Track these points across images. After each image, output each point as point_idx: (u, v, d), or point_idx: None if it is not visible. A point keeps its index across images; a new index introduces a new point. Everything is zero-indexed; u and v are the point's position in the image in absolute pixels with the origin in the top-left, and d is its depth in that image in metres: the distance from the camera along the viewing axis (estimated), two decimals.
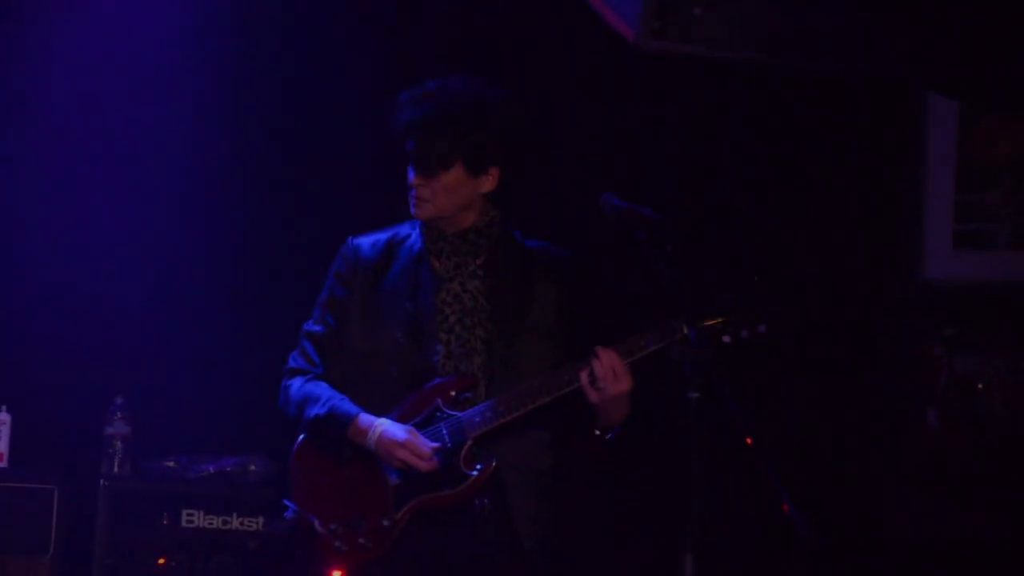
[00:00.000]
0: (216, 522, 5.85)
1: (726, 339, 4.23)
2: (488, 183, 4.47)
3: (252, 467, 5.97)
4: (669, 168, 5.97)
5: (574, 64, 6.09)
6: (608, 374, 4.26)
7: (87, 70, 6.31)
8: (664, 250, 4.07)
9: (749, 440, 3.78)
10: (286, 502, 4.49)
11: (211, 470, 5.97)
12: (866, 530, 5.90)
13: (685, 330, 4.21)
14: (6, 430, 5.91)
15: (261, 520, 5.81)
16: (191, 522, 5.84)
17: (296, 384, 4.54)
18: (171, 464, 5.98)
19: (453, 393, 4.39)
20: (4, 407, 5.93)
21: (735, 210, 5.95)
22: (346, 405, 4.42)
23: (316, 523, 4.42)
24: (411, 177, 4.45)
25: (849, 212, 6.02)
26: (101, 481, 5.81)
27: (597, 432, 4.39)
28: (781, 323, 4.28)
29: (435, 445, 4.33)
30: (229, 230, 6.42)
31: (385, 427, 4.36)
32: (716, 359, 3.89)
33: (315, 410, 4.44)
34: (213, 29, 6.40)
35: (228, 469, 5.97)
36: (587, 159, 6.09)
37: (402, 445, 4.33)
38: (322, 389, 4.49)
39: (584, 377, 4.28)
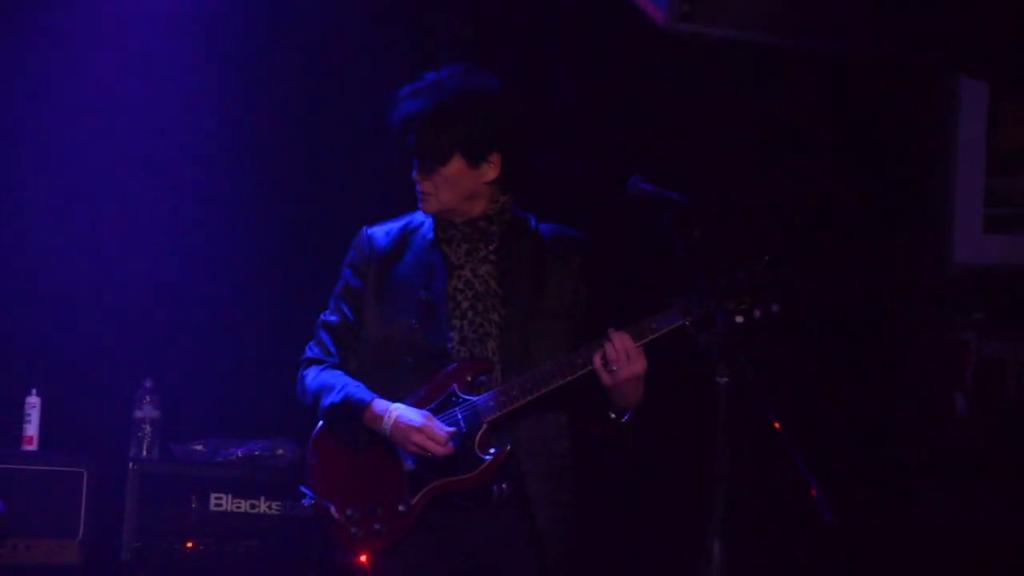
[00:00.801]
0: (244, 505, 5.86)
1: (739, 319, 4.20)
2: (491, 171, 4.44)
3: (280, 451, 5.99)
4: (696, 153, 5.95)
5: (599, 50, 6.08)
6: (621, 356, 4.25)
7: (114, 70, 6.33)
8: (691, 235, 4.05)
9: (777, 425, 3.76)
10: (303, 489, 4.49)
11: (239, 454, 5.98)
12: (893, 515, 5.89)
13: (695, 311, 4.21)
14: (36, 413, 5.93)
15: (285, 504, 5.82)
16: (219, 505, 5.84)
17: (312, 373, 4.54)
18: (199, 448, 6.00)
19: (468, 378, 4.37)
20: (34, 390, 5.95)
21: (764, 195, 5.93)
22: (361, 392, 4.41)
23: (332, 509, 4.41)
24: (414, 173, 4.45)
25: (878, 197, 6.00)
26: (130, 464, 5.81)
27: (612, 415, 4.38)
28: (796, 303, 4.26)
29: (451, 429, 4.32)
30: (258, 220, 6.45)
31: (400, 412, 4.35)
32: (744, 344, 3.87)
33: (330, 398, 4.44)
34: (229, 28, 6.41)
35: (256, 453, 5.99)
36: (611, 144, 6.08)
37: (418, 430, 4.32)
38: (337, 377, 4.48)
39: (598, 360, 4.26)
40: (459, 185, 4.43)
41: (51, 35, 6.29)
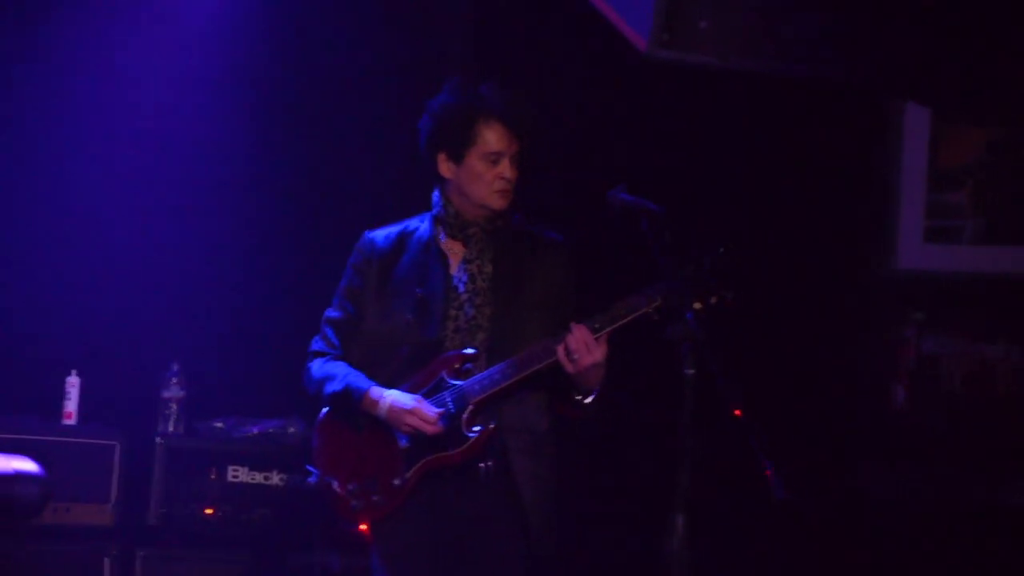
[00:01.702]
0: (258, 477, 5.88)
1: (697, 306, 4.19)
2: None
3: (291, 429, 5.99)
4: (667, 165, 5.94)
5: (586, 73, 6.08)
6: (581, 347, 4.25)
7: (141, 79, 6.32)
8: (663, 237, 4.05)
9: (737, 412, 3.76)
10: (309, 467, 4.49)
11: (255, 431, 5.99)
12: (837, 491, 5.89)
13: (658, 297, 4.20)
14: (75, 392, 5.93)
15: (291, 477, 5.82)
16: (236, 477, 5.86)
17: (316, 364, 4.55)
18: (219, 425, 6.00)
19: (456, 366, 4.39)
20: (74, 371, 5.95)
21: (725, 205, 5.92)
22: (360, 381, 4.42)
23: (335, 484, 4.43)
24: (505, 171, 4.41)
25: (830, 209, 6.00)
26: (157, 439, 5.84)
27: (577, 397, 4.37)
28: (749, 293, 4.25)
29: (439, 410, 4.33)
30: (275, 223, 6.46)
31: (394, 397, 4.37)
32: (708, 339, 3.87)
33: (333, 386, 4.45)
34: (244, 37, 6.40)
35: (270, 430, 5.99)
36: (586, 153, 6.09)
37: (410, 412, 4.33)
38: (339, 368, 4.49)
39: (561, 351, 4.26)
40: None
41: (76, 39, 6.27)
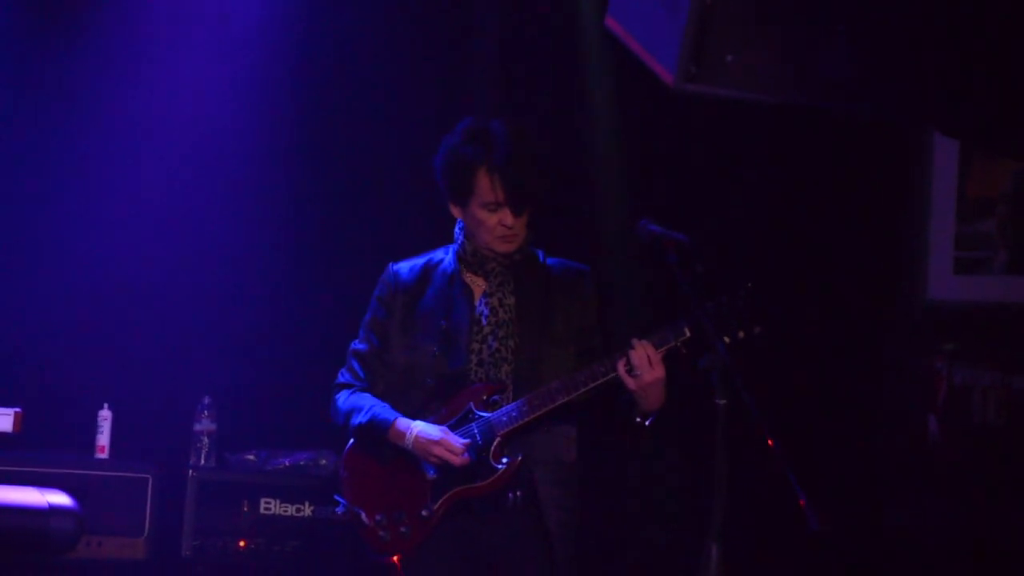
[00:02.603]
0: (290, 509, 5.88)
1: (726, 339, 4.21)
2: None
3: (322, 461, 6.00)
4: (697, 196, 5.96)
5: (614, 103, 6.10)
6: (644, 362, 4.26)
7: (180, 91, 6.36)
8: (693, 269, 4.07)
9: (770, 442, 3.77)
10: (337, 497, 4.51)
11: (286, 463, 6.00)
12: (871, 523, 5.87)
13: (692, 328, 4.22)
14: (108, 425, 5.96)
15: (317, 508, 5.83)
16: (268, 509, 5.86)
17: (343, 396, 4.58)
18: (251, 457, 6.02)
19: (484, 397, 4.41)
20: (106, 405, 5.98)
21: (753, 235, 5.93)
22: (386, 412, 4.45)
23: (363, 515, 4.45)
24: (506, 219, 4.42)
25: (861, 241, 6.00)
26: (190, 471, 5.85)
27: (638, 419, 4.38)
28: (783, 326, 4.27)
29: (466, 441, 4.35)
30: (301, 255, 6.46)
31: (420, 428, 4.39)
32: (740, 369, 3.88)
33: (359, 418, 4.48)
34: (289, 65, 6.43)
35: (301, 462, 6.00)
36: (616, 184, 6.11)
37: (437, 443, 4.35)
38: (365, 399, 4.52)
39: (621, 367, 4.27)
40: (528, 224, 4.47)
41: (143, 52, 6.34)
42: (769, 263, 5.82)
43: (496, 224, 4.42)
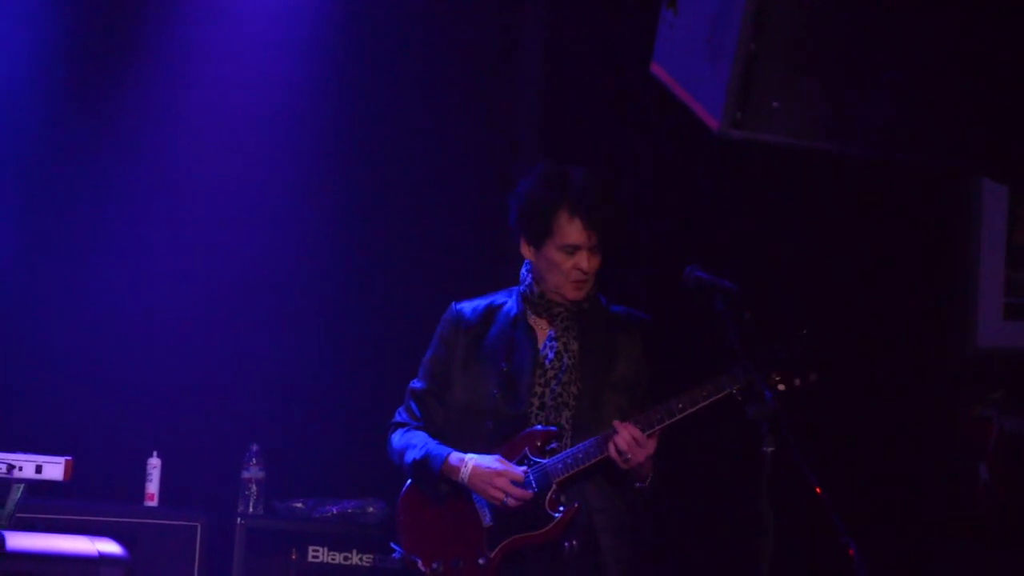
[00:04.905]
0: (338, 558, 5.88)
1: (782, 387, 4.19)
2: None
3: (370, 509, 5.99)
4: (735, 242, 5.94)
5: (660, 149, 6.10)
6: (632, 445, 4.25)
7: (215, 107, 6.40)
8: (741, 317, 4.05)
9: (818, 490, 3.74)
10: (393, 544, 4.50)
11: (334, 511, 5.99)
12: (921, 574, 5.81)
13: (742, 381, 4.19)
14: (157, 473, 5.98)
15: (376, 556, 5.81)
16: (316, 557, 5.86)
17: (398, 435, 4.57)
18: (299, 505, 6.01)
19: (539, 443, 4.38)
20: (155, 453, 6.00)
21: (798, 282, 5.91)
22: (440, 448, 4.44)
23: (419, 563, 4.43)
24: (581, 263, 4.40)
25: (910, 287, 5.96)
26: (238, 519, 5.86)
27: (637, 485, 4.37)
28: (833, 373, 4.24)
29: (524, 468, 4.32)
30: (349, 299, 6.47)
31: (476, 460, 4.38)
32: (788, 417, 3.86)
33: (413, 455, 4.47)
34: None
35: (349, 510, 6.00)
36: (661, 231, 6.10)
37: (499, 474, 4.32)
38: (419, 437, 4.51)
39: (612, 449, 4.26)
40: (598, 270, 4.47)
41: (174, 54, 6.37)
42: (816, 311, 5.79)
43: (571, 268, 4.41)
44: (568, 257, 4.40)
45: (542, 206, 4.41)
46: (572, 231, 4.38)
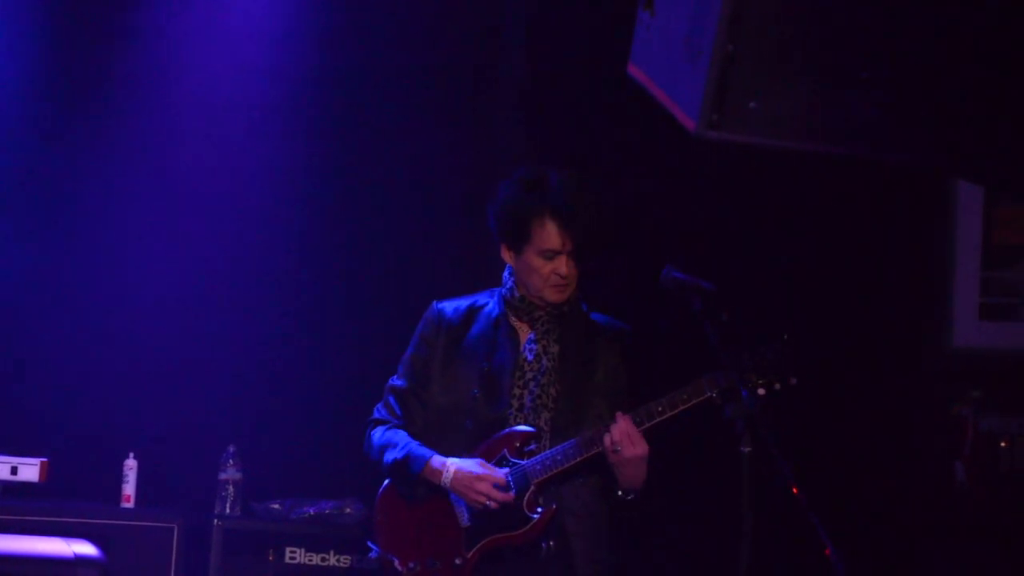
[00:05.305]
0: (315, 559, 5.86)
1: (761, 391, 4.19)
2: None
3: (347, 510, 5.98)
4: (710, 242, 5.95)
5: (635, 150, 6.10)
6: (624, 438, 4.23)
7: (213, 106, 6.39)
8: (719, 318, 4.05)
9: (795, 490, 3.74)
10: (369, 544, 4.49)
11: (311, 512, 5.98)
12: (898, 573, 5.83)
13: (721, 384, 4.19)
14: (133, 475, 5.96)
15: (354, 557, 5.81)
16: (293, 558, 5.84)
17: (378, 432, 4.55)
18: (276, 506, 6.00)
19: (517, 444, 4.37)
20: (132, 454, 5.98)
21: (783, 283, 5.92)
22: (421, 449, 4.42)
23: (396, 562, 4.42)
24: (560, 268, 4.39)
25: (886, 288, 5.98)
26: (215, 520, 5.83)
27: (619, 492, 4.36)
28: (811, 376, 4.24)
29: (506, 470, 4.32)
30: (326, 300, 6.46)
31: (458, 464, 4.36)
32: (766, 418, 3.86)
33: (393, 454, 4.45)
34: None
35: (326, 511, 5.98)
36: (645, 235, 6.10)
37: (480, 478, 4.31)
38: (400, 436, 4.49)
39: (607, 440, 4.24)
40: (580, 275, 4.46)
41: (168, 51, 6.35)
42: (793, 312, 5.80)
43: (550, 273, 4.39)
44: (547, 262, 4.39)
45: (520, 212, 4.39)
46: (550, 236, 4.37)
